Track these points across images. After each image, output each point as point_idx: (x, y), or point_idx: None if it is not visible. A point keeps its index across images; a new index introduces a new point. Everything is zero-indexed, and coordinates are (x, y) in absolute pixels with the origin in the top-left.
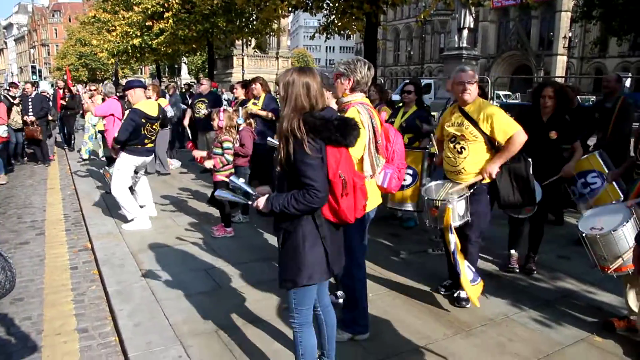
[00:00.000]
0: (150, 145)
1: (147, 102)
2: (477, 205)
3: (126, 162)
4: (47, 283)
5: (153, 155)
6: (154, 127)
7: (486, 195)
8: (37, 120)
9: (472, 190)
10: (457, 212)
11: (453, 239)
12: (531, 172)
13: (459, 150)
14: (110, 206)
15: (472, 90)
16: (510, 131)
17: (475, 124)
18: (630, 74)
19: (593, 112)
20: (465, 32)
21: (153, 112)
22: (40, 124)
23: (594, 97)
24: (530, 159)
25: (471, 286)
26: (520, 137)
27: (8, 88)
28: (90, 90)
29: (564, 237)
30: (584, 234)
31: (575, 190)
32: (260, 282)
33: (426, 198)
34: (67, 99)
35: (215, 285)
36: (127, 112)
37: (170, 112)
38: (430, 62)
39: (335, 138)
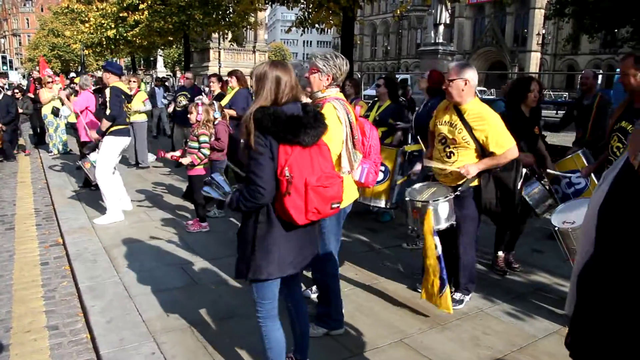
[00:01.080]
0: (127, 126)
1: (120, 82)
2: (464, 209)
3: (112, 146)
4: (16, 279)
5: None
6: (129, 105)
7: (473, 198)
8: (3, 126)
9: (457, 193)
10: (440, 214)
11: (438, 242)
12: (519, 185)
13: (448, 154)
14: (83, 200)
15: (455, 87)
16: (506, 145)
17: (470, 129)
18: (601, 71)
19: (572, 110)
20: (441, 28)
21: (127, 90)
22: (6, 129)
23: (567, 92)
24: (524, 170)
25: (439, 297)
26: (513, 152)
27: None
28: (48, 82)
29: (538, 231)
30: (556, 228)
31: (559, 189)
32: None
33: (407, 199)
34: (37, 91)
35: (190, 280)
36: (107, 91)
37: (147, 107)
38: (407, 57)
39: (283, 136)
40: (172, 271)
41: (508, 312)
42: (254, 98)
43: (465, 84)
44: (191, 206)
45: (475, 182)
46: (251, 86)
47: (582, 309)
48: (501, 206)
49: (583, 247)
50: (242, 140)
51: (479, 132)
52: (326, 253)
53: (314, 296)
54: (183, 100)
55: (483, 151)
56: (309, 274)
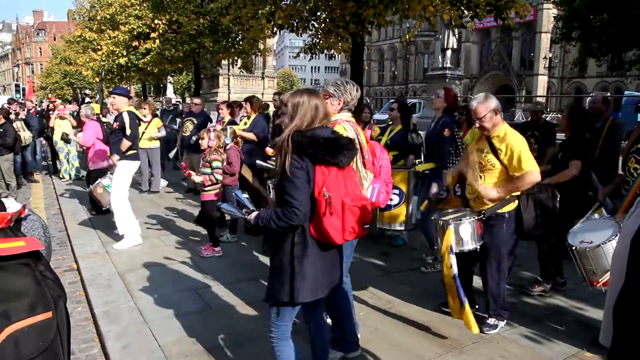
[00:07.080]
0: (137, 150)
1: (131, 107)
2: (492, 237)
3: (126, 170)
4: None
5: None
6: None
7: (504, 226)
8: None
9: (481, 217)
10: (461, 235)
11: (454, 262)
12: (557, 205)
13: (476, 178)
14: (96, 226)
15: (487, 120)
16: (525, 168)
17: (495, 152)
18: (608, 94)
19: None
20: (448, 53)
21: (139, 114)
22: None
23: None
24: (557, 193)
25: (461, 316)
26: (533, 176)
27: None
28: (54, 107)
29: None
30: (573, 248)
31: None
32: (249, 302)
33: (433, 218)
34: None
35: (205, 305)
36: (124, 114)
37: (162, 133)
38: (415, 82)
39: (321, 157)
40: (186, 296)
41: (525, 336)
42: (286, 122)
43: (496, 114)
44: (204, 231)
45: (506, 209)
46: (274, 111)
47: (619, 341)
48: (543, 228)
49: (616, 277)
50: (278, 164)
51: (502, 154)
52: None
53: (329, 320)
54: (190, 127)
55: (507, 174)
56: None
